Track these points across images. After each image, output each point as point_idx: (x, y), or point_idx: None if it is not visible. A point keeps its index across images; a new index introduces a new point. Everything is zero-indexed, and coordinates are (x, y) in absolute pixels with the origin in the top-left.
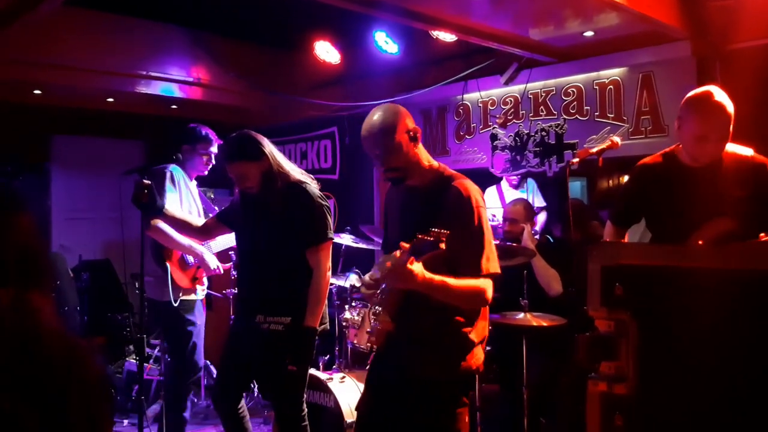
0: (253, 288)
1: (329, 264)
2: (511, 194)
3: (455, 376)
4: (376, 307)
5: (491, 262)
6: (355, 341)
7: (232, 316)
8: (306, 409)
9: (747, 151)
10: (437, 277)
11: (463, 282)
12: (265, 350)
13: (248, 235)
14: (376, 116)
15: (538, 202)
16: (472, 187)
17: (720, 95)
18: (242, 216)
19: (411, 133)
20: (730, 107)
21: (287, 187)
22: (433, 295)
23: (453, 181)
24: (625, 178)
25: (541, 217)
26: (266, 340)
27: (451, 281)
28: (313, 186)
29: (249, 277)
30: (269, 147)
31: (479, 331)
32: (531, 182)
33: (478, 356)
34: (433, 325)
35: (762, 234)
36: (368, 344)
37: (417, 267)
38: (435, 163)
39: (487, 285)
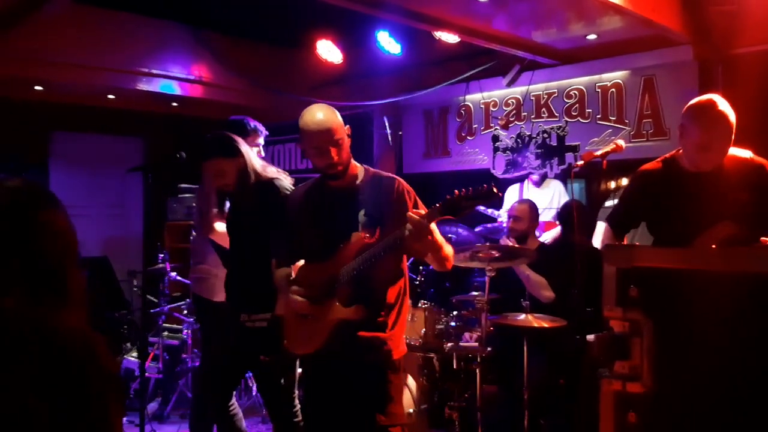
0: (236, 287)
1: None
2: (534, 193)
3: (397, 359)
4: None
5: None
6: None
7: None
8: (298, 405)
9: (746, 153)
10: (440, 237)
11: (446, 246)
12: (253, 348)
13: (230, 232)
14: (324, 112)
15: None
16: (400, 179)
17: (723, 104)
18: (229, 213)
19: (347, 133)
20: (732, 116)
21: (259, 184)
22: (435, 252)
23: (383, 176)
24: (623, 181)
25: (558, 229)
26: (253, 337)
27: (445, 247)
28: (285, 182)
29: (232, 276)
30: (245, 147)
31: (405, 311)
32: (557, 183)
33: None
34: (384, 310)
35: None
36: (303, 350)
37: (434, 226)
38: (359, 164)
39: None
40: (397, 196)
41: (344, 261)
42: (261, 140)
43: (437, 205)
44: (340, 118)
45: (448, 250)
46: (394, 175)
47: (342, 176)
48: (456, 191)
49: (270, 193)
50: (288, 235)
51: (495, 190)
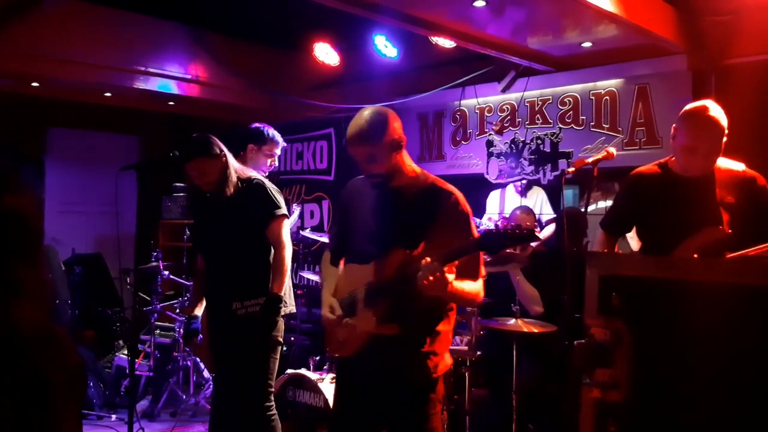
0: (224, 279)
1: (287, 237)
2: (516, 201)
3: (438, 374)
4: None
5: (483, 266)
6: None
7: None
8: (273, 401)
9: (739, 166)
10: (457, 284)
11: (470, 286)
12: (247, 333)
13: (209, 231)
14: (362, 122)
15: (546, 212)
16: (461, 194)
17: (715, 110)
18: (200, 216)
19: (396, 141)
20: (723, 122)
21: (240, 181)
22: (448, 300)
23: (442, 187)
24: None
25: (549, 229)
26: (246, 323)
27: (465, 287)
28: (263, 178)
29: (217, 271)
30: (226, 150)
31: (452, 329)
32: (540, 192)
33: (449, 354)
34: (421, 327)
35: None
36: (339, 354)
37: (451, 276)
38: (417, 168)
39: (481, 287)
40: (446, 212)
41: (384, 270)
42: (278, 150)
43: (473, 239)
44: (383, 130)
45: (471, 288)
46: (455, 190)
47: (386, 183)
48: (496, 227)
49: (253, 185)
50: (336, 229)
51: (537, 233)
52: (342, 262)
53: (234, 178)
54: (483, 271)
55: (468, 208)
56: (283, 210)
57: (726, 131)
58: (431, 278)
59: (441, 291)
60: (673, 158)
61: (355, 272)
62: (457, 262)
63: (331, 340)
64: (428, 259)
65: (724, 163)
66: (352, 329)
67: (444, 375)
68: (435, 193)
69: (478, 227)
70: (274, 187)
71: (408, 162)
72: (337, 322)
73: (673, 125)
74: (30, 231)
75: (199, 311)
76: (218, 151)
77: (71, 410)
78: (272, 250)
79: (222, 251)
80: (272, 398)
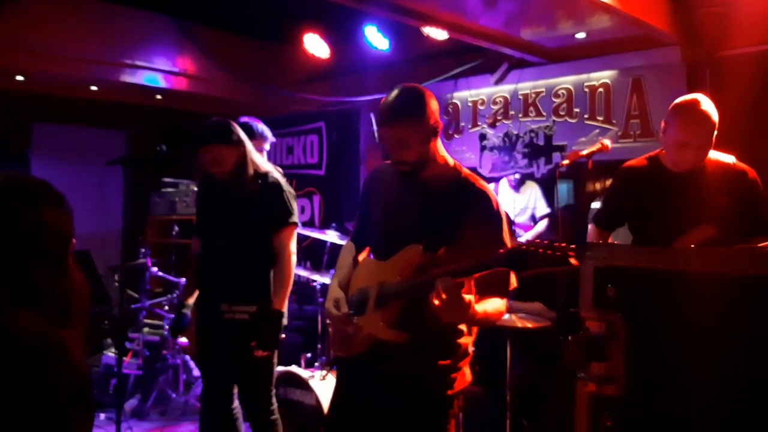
0: (218, 277)
1: (294, 248)
2: (509, 196)
3: (455, 390)
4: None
5: (515, 278)
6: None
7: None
8: (275, 403)
9: (729, 159)
10: (479, 307)
11: (493, 306)
12: (233, 340)
13: (212, 223)
14: (399, 103)
15: (540, 207)
16: (495, 194)
17: (706, 104)
18: (206, 205)
19: (433, 127)
20: (714, 117)
21: (256, 175)
22: (467, 324)
23: (476, 184)
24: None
25: (542, 225)
26: (233, 329)
27: (488, 308)
28: (280, 176)
29: (213, 266)
30: (245, 137)
31: (473, 341)
32: (534, 187)
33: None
34: (435, 338)
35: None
36: (340, 353)
37: (470, 297)
38: (450, 160)
39: (505, 305)
40: (478, 214)
41: (401, 271)
42: (267, 145)
43: (499, 252)
44: (420, 114)
45: (494, 308)
46: (487, 190)
47: (412, 175)
48: (528, 242)
49: (269, 184)
50: (359, 217)
51: (573, 259)
52: (365, 254)
53: (251, 171)
54: (515, 282)
55: (503, 211)
56: (296, 218)
57: (717, 125)
58: (444, 297)
59: (457, 315)
60: (664, 152)
61: (371, 268)
62: (477, 275)
63: (334, 337)
64: (446, 277)
65: (714, 155)
66: (357, 329)
67: (463, 390)
68: (467, 190)
69: None
70: (291, 189)
71: (441, 151)
72: (341, 318)
73: (664, 119)
74: (56, 243)
75: (192, 300)
76: (237, 140)
77: (78, 418)
78: (273, 259)
79: (225, 244)
80: (274, 401)
